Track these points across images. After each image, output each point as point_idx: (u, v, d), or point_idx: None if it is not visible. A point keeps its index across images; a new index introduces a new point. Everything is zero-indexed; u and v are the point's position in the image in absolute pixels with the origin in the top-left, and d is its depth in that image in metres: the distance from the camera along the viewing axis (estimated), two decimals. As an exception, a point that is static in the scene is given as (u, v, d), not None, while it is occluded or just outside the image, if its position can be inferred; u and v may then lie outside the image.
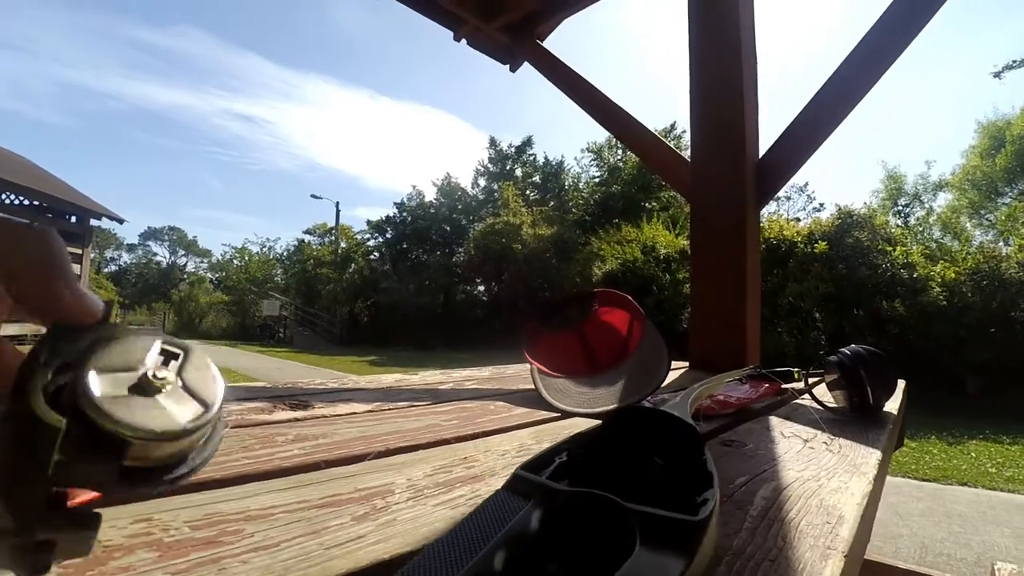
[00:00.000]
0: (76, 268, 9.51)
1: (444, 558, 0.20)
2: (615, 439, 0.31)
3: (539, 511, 0.23)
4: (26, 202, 9.30)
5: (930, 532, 2.98)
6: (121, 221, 11.00)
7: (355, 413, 0.68)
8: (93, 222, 10.41)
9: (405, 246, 18.68)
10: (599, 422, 0.33)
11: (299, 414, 0.65)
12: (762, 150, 1.47)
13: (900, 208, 17.21)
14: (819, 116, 1.38)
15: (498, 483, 0.37)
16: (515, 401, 0.81)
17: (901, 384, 1.01)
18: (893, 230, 9.30)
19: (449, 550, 0.20)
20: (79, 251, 9.76)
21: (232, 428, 0.56)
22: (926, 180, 17.33)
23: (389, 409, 0.72)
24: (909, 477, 4.06)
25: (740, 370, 0.77)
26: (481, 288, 16.73)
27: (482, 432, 0.60)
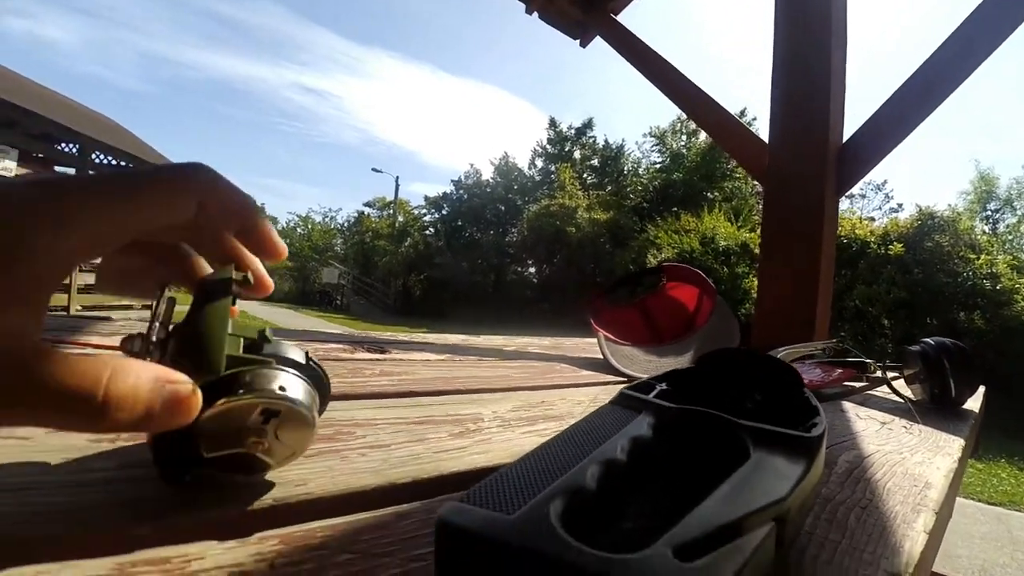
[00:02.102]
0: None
1: (563, 449, 0.21)
2: (711, 376, 0.31)
3: (651, 420, 0.24)
4: (114, 162, 9.95)
5: (991, 556, 2.81)
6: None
7: (429, 360, 0.71)
8: (174, 184, 11.01)
9: (460, 223, 18.89)
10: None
11: (378, 356, 0.69)
12: (846, 135, 1.40)
13: (989, 213, 15.88)
14: (910, 102, 1.29)
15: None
16: (580, 365, 0.82)
17: (981, 388, 0.96)
18: (979, 236, 8.62)
19: (565, 446, 0.22)
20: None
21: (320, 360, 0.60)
22: (1022, 184, 15.88)
23: (460, 360, 0.75)
24: (973, 499, 3.83)
25: (823, 341, 0.76)
26: (532, 270, 16.73)
27: (554, 385, 0.62)
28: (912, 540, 0.26)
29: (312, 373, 0.25)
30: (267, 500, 0.23)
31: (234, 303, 0.23)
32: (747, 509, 0.17)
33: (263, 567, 0.18)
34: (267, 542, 0.20)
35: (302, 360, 0.24)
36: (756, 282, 1.58)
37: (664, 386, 0.29)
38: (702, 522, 0.16)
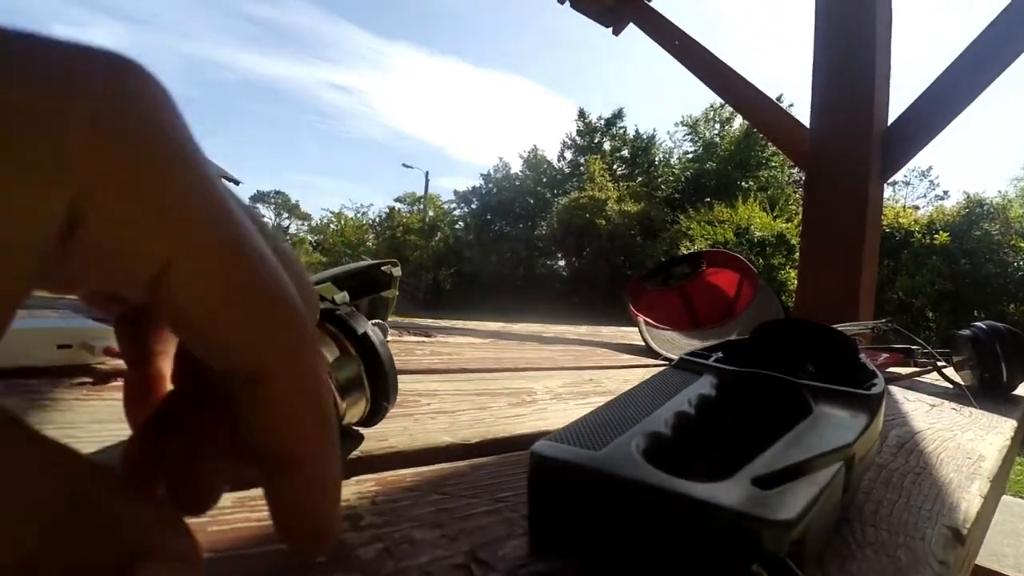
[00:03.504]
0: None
1: (634, 403, 0.23)
2: (766, 347, 0.32)
3: (714, 380, 0.25)
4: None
5: (1040, 555, 2.70)
6: (237, 183, 12.02)
7: (473, 343, 0.73)
8: (212, 182, 11.41)
9: (489, 217, 18.94)
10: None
11: (425, 339, 0.72)
12: (891, 116, 1.36)
13: (1044, 199, 15.08)
14: (961, 78, 1.24)
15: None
16: (620, 350, 0.83)
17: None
18: (1032, 224, 8.20)
19: (635, 401, 0.23)
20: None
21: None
22: (1082, 168, 14.98)
23: (503, 343, 0.77)
24: (1021, 497, 3.68)
25: (875, 321, 0.75)
26: (562, 263, 16.68)
27: (598, 366, 0.63)
28: (968, 502, 0.27)
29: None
30: (355, 452, 0.26)
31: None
32: (817, 451, 0.18)
33: (366, 503, 0.21)
34: (365, 484, 0.22)
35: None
36: (793, 274, 1.54)
37: (720, 355, 0.30)
38: (775, 460, 0.17)
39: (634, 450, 0.17)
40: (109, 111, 0.09)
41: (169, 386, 0.14)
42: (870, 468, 0.29)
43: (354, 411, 0.25)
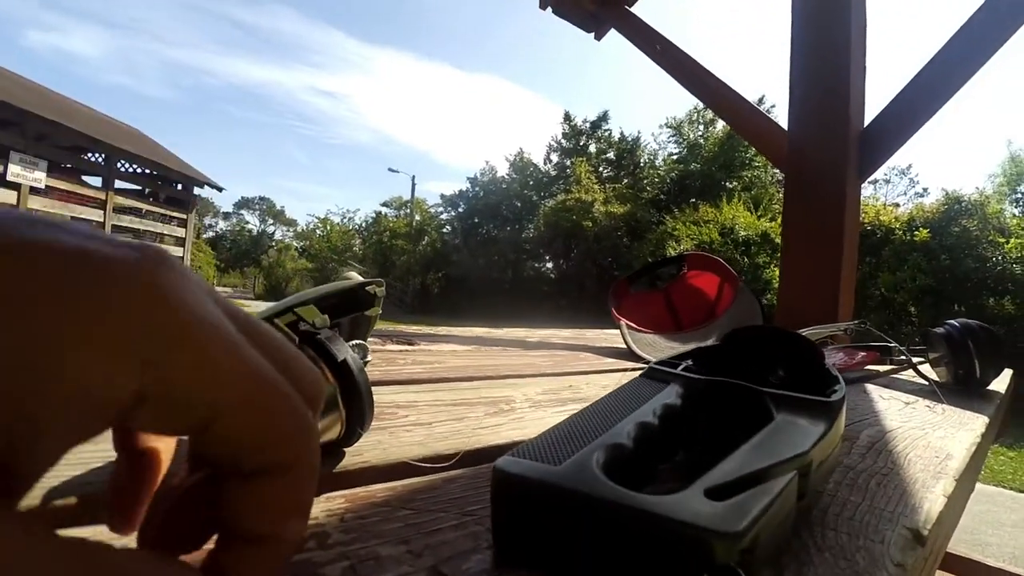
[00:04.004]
0: (181, 232, 10.42)
1: (599, 414, 0.23)
2: (735, 353, 0.33)
3: (680, 390, 0.26)
4: (139, 170, 10.21)
5: (1023, 543, 2.76)
6: (220, 189, 11.86)
7: (456, 351, 0.74)
8: (196, 190, 11.29)
9: (476, 220, 18.94)
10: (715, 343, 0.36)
11: (408, 347, 0.72)
12: (867, 118, 1.38)
13: (1020, 196, 15.39)
14: (935, 82, 1.27)
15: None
16: (603, 354, 0.84)
17: (1008, 371, 0.95)
18: (1009, 220, 8.36)
19: (601, 412, 0.24)
20: (184, 216, 10.65)
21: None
22: (1055, 165, 15.32)
23: (486, 350, 0.77)
24: (1004, 487, 3.75)
25: (846, 322, 0.76)
26: (549, 265, 16.72)
27: (578, 371, 0.64)
28: (931, 502, 0.28)
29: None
30: (328, 468, 0.26)
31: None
32: (772, 460, 0.18)
33: (334, 520, 0.21)
34: (334, 500, 0.22)
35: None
36: (777, 272, 1.57)
37: (689, 362, 0.31)
38: (731, 470, 0.18)
39: (594, 464, 0.18)
40: (151, 305, 0.11)
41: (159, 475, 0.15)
42: (834, 471, 0.30)
43: (328, 434, 0.25)
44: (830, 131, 1.36)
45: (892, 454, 0.36)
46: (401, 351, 0.67)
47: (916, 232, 7.63)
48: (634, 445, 0.20)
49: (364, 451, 0.28)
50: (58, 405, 0.09)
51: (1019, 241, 7.24)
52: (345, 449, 0.28)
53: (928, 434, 0.44)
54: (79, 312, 0.10)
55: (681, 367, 0.30)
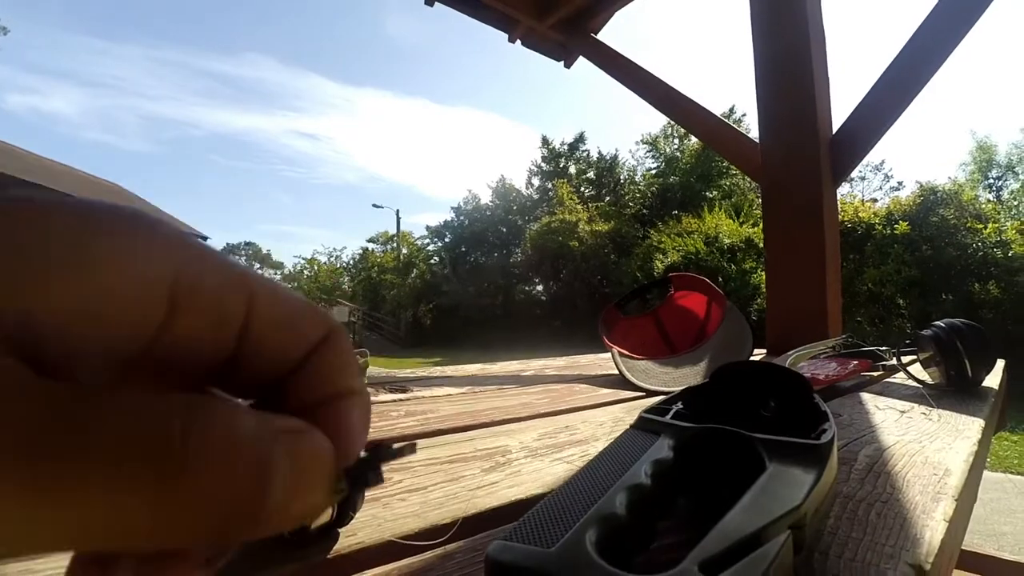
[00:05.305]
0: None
1: (591, 479, 0.23)
2: (725, 391, 0.33)
3: (670, 442, 0.26)
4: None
5: (1038, 530, 2.74)
6: (205, 239, 11.85)
7: (451, 395, 0.73)
8: (180, 241, 11.23)
9: (464, 249, 19.00)
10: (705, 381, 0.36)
11: (401, 396, 0.71)
12: (836, 124, 1.42)
13: (991, 181, 15.75)
14: (897, 84, 1.31)
15: (603, 447, 0.40)
16: (597, 383, 0.84)
17: (1000, 362, 0.96)
18: (983, 206, 8.55)
19: (592, 476, 0.24)
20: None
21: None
22: (1021, 149, 15.75)
23: (481, 391, 0.76)
24: (1012, 473, 3.74)
25: (833, 339, 0.77)
26: (540, 288, 16.75)
27: (575, 408, 0.63)
28: (932, 529, 0.28)
29: None
30: (322, 554, 0.25)
31: None
32: (765, 520, 0.18)
33: (330, 617, 0.20)
34: (330, 593, 0.22)
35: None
36: (765, 276, 1.58)
37: (680, 406, 0.31)
38: (724, 536, 0.18)
39: (588, 545, 0.17)
40: (166, 227, 0.11)
41: None
42: (833, 505, 0.29)
43: (320, 518, 0.25)
44: (801, 140, 1.39)
45: (891, 476, 0.36)
46: (394, 401, 0.66)
47: (896, 225, 7.77)
48: (628, 512, 0.20)
49: (358, 529, 0.28)
50: (99, 295, 0.10)
51: (996, 225, 7.39)
52: (341, 529, 0.27)
53: (925, 447, 0.44)
54: (109, 227, 0.10)
55: (671, 413, 0.30)
